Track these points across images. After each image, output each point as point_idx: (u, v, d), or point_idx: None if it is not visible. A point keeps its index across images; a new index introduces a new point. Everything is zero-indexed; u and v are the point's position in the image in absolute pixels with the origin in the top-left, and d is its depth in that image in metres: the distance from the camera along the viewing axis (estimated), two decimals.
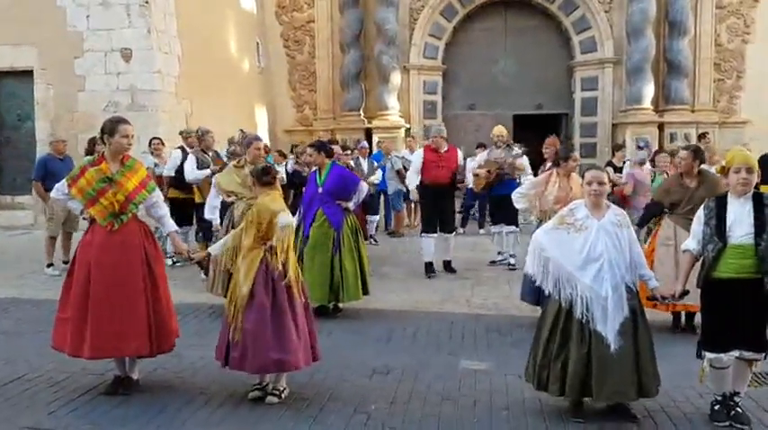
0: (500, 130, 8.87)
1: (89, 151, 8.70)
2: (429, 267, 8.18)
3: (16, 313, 6.52)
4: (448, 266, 8.36)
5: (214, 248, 4.45)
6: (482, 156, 8.87)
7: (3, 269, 8.64)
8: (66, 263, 8.48)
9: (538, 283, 4.01)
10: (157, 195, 4.49)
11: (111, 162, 4.28)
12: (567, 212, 4.04)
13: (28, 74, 11.96)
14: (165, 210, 4.53)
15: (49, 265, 8.36)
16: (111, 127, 4.27)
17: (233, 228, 5.48)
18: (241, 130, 9.22)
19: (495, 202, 8.78)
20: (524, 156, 8.49)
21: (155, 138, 9.67)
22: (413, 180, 8.34)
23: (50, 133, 11.12)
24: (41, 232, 9.19)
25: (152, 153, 9.38)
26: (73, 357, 4.26)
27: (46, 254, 8.45)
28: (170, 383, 4.52)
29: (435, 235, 8.23)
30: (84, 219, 4.50)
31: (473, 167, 8.81)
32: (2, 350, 5.28)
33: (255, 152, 6.28)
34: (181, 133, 9.44)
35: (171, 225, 4.53)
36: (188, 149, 8.68)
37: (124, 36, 11.56)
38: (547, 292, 4.00)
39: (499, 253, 8.83)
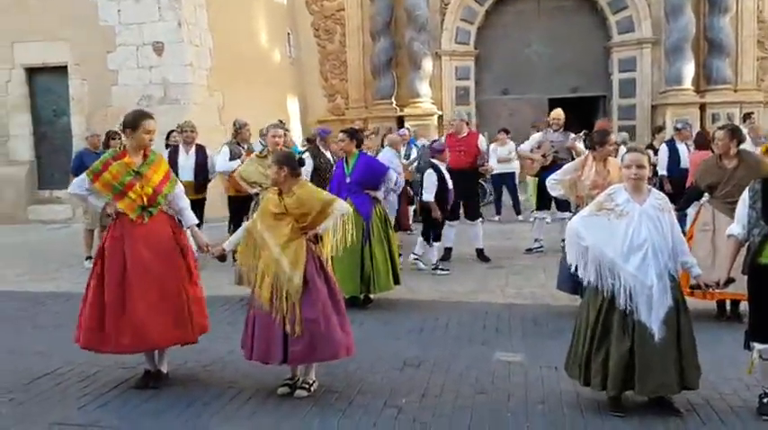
0: (558, 113, 8.63)
1: (106, 144, 8.78)
2: (447, 253, 8.11)
3: (53, 307, 6.60)
4: (481, 254, 8.21)
5: (229, 243, 4.37)
6: (535, 138, 8.61)
7: (41, 263, 8.77)
8: None
9: (577, 273, 3.83)
10: (180, 187, 4.45)
11: (135, 156, 4.24)
12: (605, 198, 3.84)
13: (62, 69, 12.13)
14: (186, 202, 4.48)
15: (88, 258, 8.44)
16: (134, 122, 4.23)
17: None
18: (279, 121, 9.13)
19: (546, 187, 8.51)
20: (580, 140, 8.25)
21: (173, 130, 9.29)
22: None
23: (86, 128, 11.25)
24: (79, 226, 9.30)
25: (168, 146, 8.99)
26: (112, 353, 4.25)
27: (84, 247, 8.54)
28: (199, 377, 4.49)
29: (456, 222, 8.13)
30: (107, 215, 4.45)
31: (522, 150, 8.62)
32: (37, 343, 5.33)
33: (272, 140, 6.26)
34: (177, 127, 8.85)
35: (192, 218, 4.48)
36: (180, 145, 8.28)
37: (155, 29, 11.62)
38: (586, 282, 3.82)
39: (536, 240, 8.62)
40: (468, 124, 8.59)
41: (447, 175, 7.44)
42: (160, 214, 4.28)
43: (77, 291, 6.77)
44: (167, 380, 4.36)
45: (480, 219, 8.34)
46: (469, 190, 8.26)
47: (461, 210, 8.32)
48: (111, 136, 8.70)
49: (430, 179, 7.30)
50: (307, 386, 4.10)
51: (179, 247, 4.27)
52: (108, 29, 11.74)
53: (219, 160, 8.21)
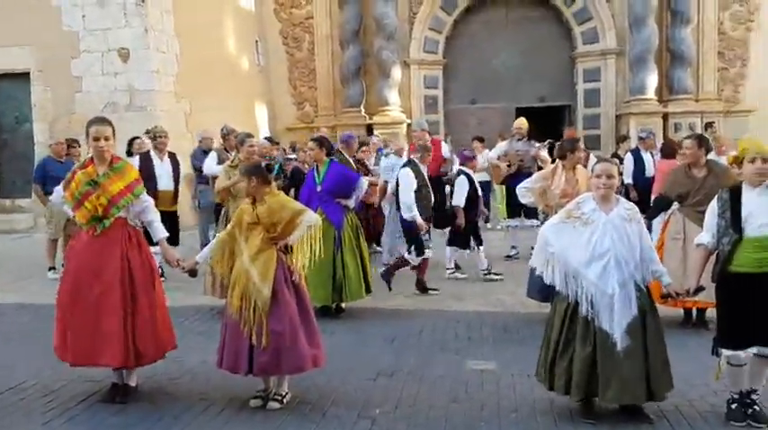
0: (521, 123, 8.77)
1: (66, 153, 8.60)
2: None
3: (17, 318, 6.43)
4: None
5: (201, 256, 4.32)
6: (501, 147, 8.71)
7: (3, 273, 8.54)
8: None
9: (545, 280, 3.88)
10: (146, 200, 4.32)
11: (99, 164, 4.15)
12: (573, 206, 3.90)
13: (24, 76, 11.87)
14: (155, 215, 4.37)
15: (51, 269, 8.25)
16: (86, 129, 4.15)
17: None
18: (269, 137, 9.06)
19: (514, 195, 8.60)
20: (545, 149, 8.40)
21: (136, 137, 8.91)
22: None
23: (49, 135, 11.01)
24: (41, 235, 9.09)
25: (132, 154, 8.46)
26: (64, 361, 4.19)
27: (47, 257, 8.34)
28: (169, 389, 4.41)
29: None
30: (74, 225, 4.37)
31: (491, 158, 8.69)
32: (0, 356, 5.18)
33: (249, 150, 6.21)
34: (146, 132, 8.50)
35: (161, 232, 4.36)
36: (152, 152, 7.92)
37: (121, 35, 11.45)
38: (554, 288, 3.87)
39: (512, 247, 8.70)
40: (429, 133, 8.64)
41: (477, 183, 7.46)
42: (117, 227, 4.14)
43: (41, 303, 6.67)
44: (136, 393, 4.26)
45: (450, 227, 8.35)
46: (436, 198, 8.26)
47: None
48: (70, 143, 8.54)
49: (462, 186, 7.29)
50: (279, 398, 4.06)
51: (129, 264, 4.10)
52: (72, 34, 11.52)
53: (207, 163, 8.13)
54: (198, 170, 9.42)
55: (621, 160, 9.71)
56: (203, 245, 8.88)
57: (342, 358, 4.83)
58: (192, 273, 4.34)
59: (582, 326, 3.69)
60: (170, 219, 7.51)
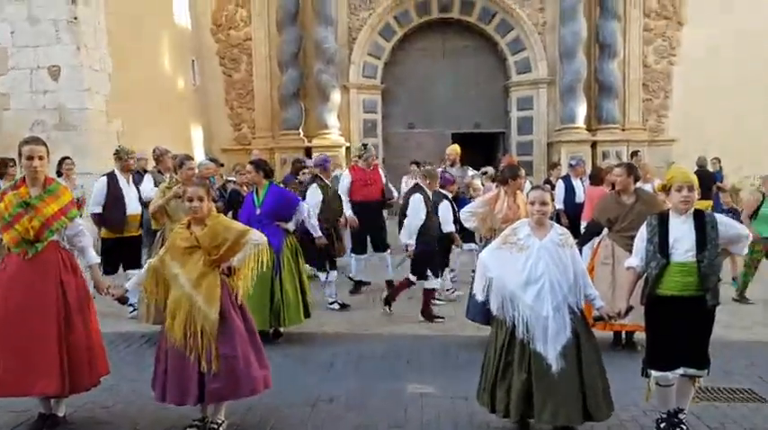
0: (454, 149, 8.93)
1: (0, 173, 8.24)
2: (357, 286, 8.25)
3: None
4: (391, 286, 8.26)
5: (130, 284, 4.20)
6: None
7: None
8: None
9: (484, 303, 3.96)
10: (80, 223, 4.19)
11: (32, 186, 4.01)
12: (509, 232, 4.01)
13: None
14: (88, 240, 4.23)
15: None
16: (18, 149, 4.01)
17: None
18: (212, 158, 8.83)
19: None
20: (478, 178, 8.59)
21: (65, 157, 8.62)
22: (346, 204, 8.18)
23: None
24: None
25: (60, 174, 8.20)
26: None
27: None
28: (100, 419, 4.24)
29: (365, 256, 8.26)
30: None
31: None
32: None
33: (187, 173, 6.09)
34: (115, 153, 7.83)
35: (92, 257, 4.23)
36: (117, 172, 7.48)
37: (52, 53, 11.08)
38: (493, 312, 3.95)
39: (451, 270, 8.80)
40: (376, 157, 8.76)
41: (453, 205, 7.33)
42: (50, 251, 4.00)
43: None
44: (65, 424, 4.09)
45: (389, 250, 8.42)
46: (378, 222, 8.34)
47: (369, 242, 8.38)
48: (5, 163, 8.17)
49: (446, 210, 7.05)
50: (216, 426, 3.96)
51: (63, 288, 3.97)
52: (0, 51, 11.10)
53: (144, 187, 7.77)
54: None
55: (553, 186, 10.01)
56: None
57: (280, 384, 4.75)
58: (122, 300, 4.21)
59: (519, 349, 3.78)
60: (135, 244, 7.32)
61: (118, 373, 4.60)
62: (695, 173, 7.49)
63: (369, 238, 8.35)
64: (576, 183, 9.85)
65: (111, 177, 7.34)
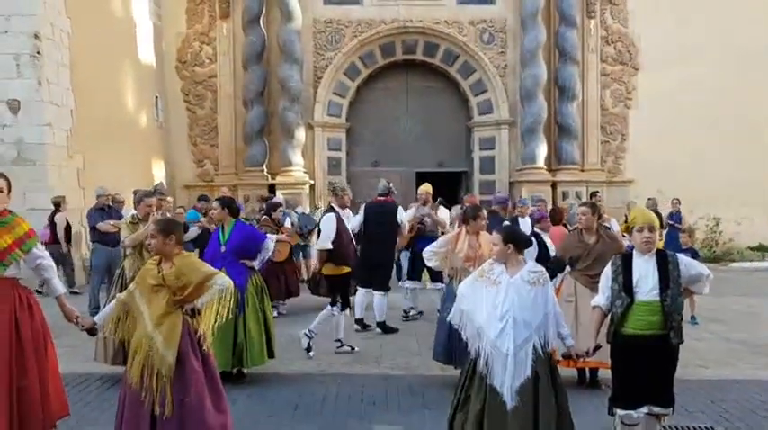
0: (425, 188, 9.06)
1: None
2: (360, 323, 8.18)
3: None
4: (382, 326, 8.17)
5: (100, 317, 4.09)
6: (411, 212, 8.85)
7: None
8: None
9: (447, 343, 3.96)
10: (40, 255, 4.05)
11: None
12: (488, 266, 4.00)
13: None
14: (51, 272, 4.11)
15: None
16: None
17: (124, 288, 5.13)
18: (156, 187, 8.73)
19: (417, 258, 8.75)
20: (446, 211, 8.72)
21: None
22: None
23: None
24: None
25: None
26: None
27: None
28: None
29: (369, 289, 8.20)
30: None
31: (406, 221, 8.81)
32: None
33: (147, 209, 6.05)
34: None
35: (57, 289, 4.11)
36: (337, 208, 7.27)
37: (12, 87, 10.95)
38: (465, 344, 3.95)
39: (411, 308, 8.81)
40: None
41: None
42: (5, 286, 3.87)
43: None
44: None
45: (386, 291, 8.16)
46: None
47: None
48: None
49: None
50: None
51: (17, 326, 3.83)
52: None
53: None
54: (92, 228, 9.01)
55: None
56: (92, 308, 8.43)
57: (244, 426, 4.66)
58: (91, 331, 4.09)
59: (477, 381, 3.77)
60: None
61: (76, 415, 4.44)
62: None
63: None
64: (524, 221, 10.00)
65: (336, 213, 7.16)
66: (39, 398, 3.87)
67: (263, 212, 10.16)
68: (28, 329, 3.89)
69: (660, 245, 4.26)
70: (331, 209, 7.29)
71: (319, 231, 7.58)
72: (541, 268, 4.00)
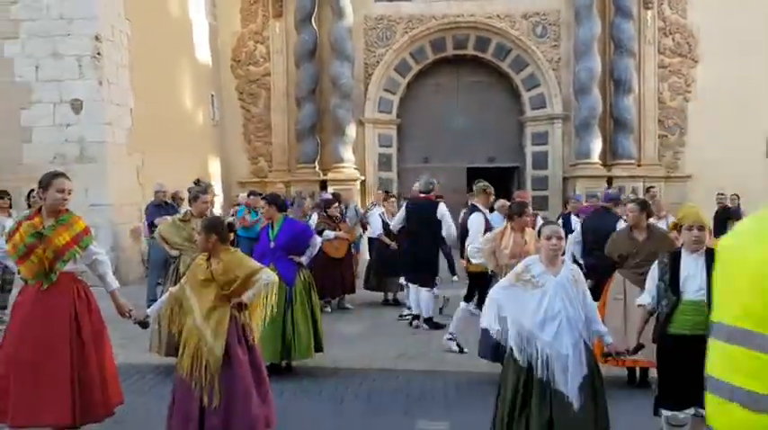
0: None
1: (29, 205, 8.36)
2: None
3: None
4: (429, 322, 8.13)
5: (151, 311, 4.26)
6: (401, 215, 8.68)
7: None
8: None
9: (499, 341, 3.92)
10: (96, 252, 4.24)
11: (47, 217, 4.09)
12: (522, 269, 3.97)
13: None
14: (106, 267, 4.30)
15: None
16: (47, 181, 4.10)
17: (177, 282, 5.30)
18: (197, 180, 8.92)
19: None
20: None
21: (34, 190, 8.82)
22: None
23: None
24: None
25: (30, 207, 8.29)
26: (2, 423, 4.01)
27: None
28: None
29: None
30: (21, 278, 4.27)
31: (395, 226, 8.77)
32: None
33: (202, 206, 6.19)
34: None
35: (112, 284, 4.29)
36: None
37: (74, 87, 11.36)
38: (507, 350, 3.91)
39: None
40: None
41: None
42: (64, 281, 4.06)
43: None
44: None
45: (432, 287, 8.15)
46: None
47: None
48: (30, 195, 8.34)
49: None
50: None
51: (77, 318, 4.02)
52: (23, 85, 11.39)
53: None
54: (149, 224, 9.31)
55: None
56: (150, 300, 8.71)
57: (291, 419, 4.76)
58: (143, 325, 4.26)
59: (538, 388, 3.71)
60: None
61: (130, 405, 4.61)
62: (717, 211, 7.38)
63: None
64: (573, 219, 9.82)
65: (482, 213, 7.24)
66: (99, 387, 4.06)
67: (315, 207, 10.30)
68: (87, 321, 4.07)
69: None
70: (475, 208, 7.23)
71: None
72: (576, 266, 3.96)
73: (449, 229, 7.94)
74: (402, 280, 8.88)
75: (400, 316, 8.72)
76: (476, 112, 16.68)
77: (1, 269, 8.28)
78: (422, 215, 7.99)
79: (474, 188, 7.49)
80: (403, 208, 8.30)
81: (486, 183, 7.40)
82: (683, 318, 3.68)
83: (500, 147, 16.87)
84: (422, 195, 8.27)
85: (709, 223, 3.89)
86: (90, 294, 4.19)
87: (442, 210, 7.97)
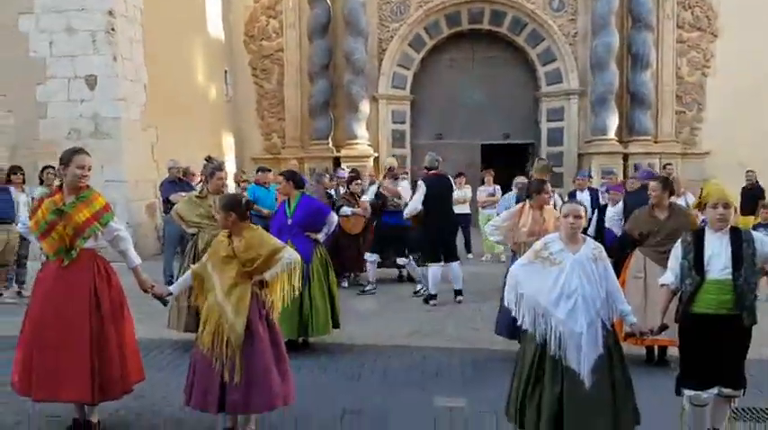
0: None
1: (7, 180, 8.44)
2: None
3: None
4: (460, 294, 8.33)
5: (174, 287, 4.28)
6: (374, 189, 9.23)
7: None
8: None
9: (517, 319, 3.91)
10: (117, 228, 4.23)
11: (68, 194, 4.10)
12: (541, 246, 3.94)
13: None
14: (127, 243, 4.30)
15: None
16: (68, 157, 4.09)
17: (196, 259, 5.32)
18: (208, 157, 8.88)
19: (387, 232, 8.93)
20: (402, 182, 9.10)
21: (48, 166, 8.77)
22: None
23: (9, 161, 10.78)
24: None
25: (42, 183, 8.51)
26: (23, 397, 4.07)
27: None
28: (133, 426, 4.31)
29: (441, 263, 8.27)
30: (43, 254, 4.30)
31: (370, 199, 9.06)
32: None
33: (218, 182, 6.17)
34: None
35: (133, 260, 4.30)
36: None
37: (89, 63, 11.35)
38: (522, 327, 3.91)
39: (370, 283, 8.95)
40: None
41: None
42: (84, 257, 4.07)
43: None
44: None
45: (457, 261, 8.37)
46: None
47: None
48: (11, 171, 8.39)
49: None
50: None
51: (96, 294, 4.04)
52: (38, 60, 11.39)
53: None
54: (165, 200, 9.33)
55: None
56: (167, 275, 8.77)
57: (308, 395, 4.77)
58: (164, 301, 4.28)
59: (551, 365, 3.71)
60: None
61: (149, 380, 4.65)
62: (744, 188, 7.26)
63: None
64: (582, 195, 9.75)
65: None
66: (118, 363, 4.08)
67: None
68: (107, 297, 4.09)
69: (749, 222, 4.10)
70: None
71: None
72: (599, 244, 3.92)
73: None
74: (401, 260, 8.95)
75: (415, 292, 8.74)
76: (490, 88, 16.51)
77: (18, 244, 8.36)
78: (442, 190, 8.15)
79: (536, 165, 7.55)
80: (422, 187, 8.19)
81: (548, 162, 7.57)
82: (707, 298, 3.64)
83: (515, 123, 16.72)
84: (435, 171, 8.28)
85: (735, 201, 3.82)
86: (111, 271, 4.20)
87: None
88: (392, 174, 9.21)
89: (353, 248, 9.18)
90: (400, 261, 8.97)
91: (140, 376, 4.28)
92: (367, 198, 9.18)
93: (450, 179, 8.46)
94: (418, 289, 8.73)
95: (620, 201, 7.62)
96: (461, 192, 11.54)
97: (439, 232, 8.07)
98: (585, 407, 3.62)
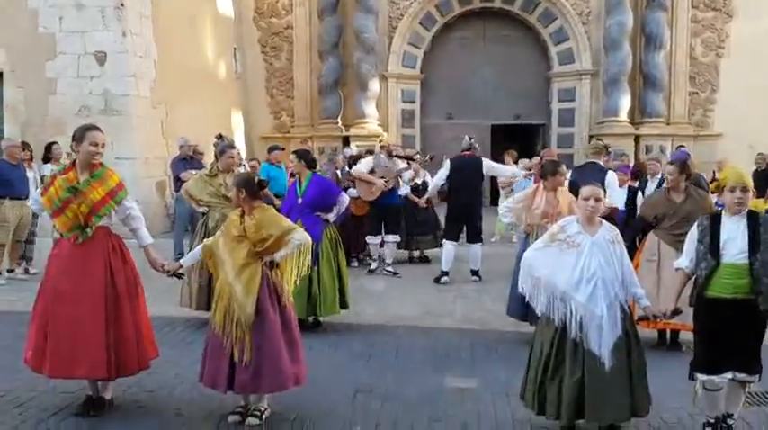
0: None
1: (46, 158, 8.41)
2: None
3: None
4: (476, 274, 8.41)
5: (186, 260, 4.28)
6: (369, 162, 8.94)
7: None
8: (10, 271, 8.25)
9: (532, 304, 3.90)
10: (129, 206, 4.21)
11: (82, 171, 4.08)
12: (558, 229, 3.92)
13: None
14: (139, 222, 4.28)
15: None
16: (81, 134, 4.07)
17: (206, 237, 5.32)
18: (219, 135, 8.88)
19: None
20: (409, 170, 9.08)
21: (54, 142, 9.05)
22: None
23: (20, 137, 10.77)
24: None
25: (50, 160, 8.77)
26: (37, 373, 4.09)
27: None
28: (145, 403, 4.32)
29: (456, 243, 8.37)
30: (56, 231, 4.29)
31: (360, 171, 8.80)
32: None
33: (229, 161, 6.15)
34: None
35: (144, 238, 4.30)
36: None
37: (98, 39, 11.29)
38: (539, 312, 3.89)
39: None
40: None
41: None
42: (99, 235, 4.07)
43: None
44: (111, 406, 4.17)
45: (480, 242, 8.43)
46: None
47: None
48: (51, 148, 8.38)
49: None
50: (258, 414, 4.01)
51: (111, 272, 4.04)
52: (48, 36, 11.33)
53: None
54: (175, 178, 9.32)
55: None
56: (177, 253, 8.78)
57: (320, 374, 4.79)
58: (178, 275, 4.29)
59: (571, 349, 3.70)
60: None
61: (162, 358, 4.66)
62: (755, 171, 7.19)
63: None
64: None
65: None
66: (134, 340, 4.09)
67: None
68: (121, 275, 4.09)
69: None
70: (598, 165, 7.13)
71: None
72: (615, 227, 3.89)
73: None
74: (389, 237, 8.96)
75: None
76: (502, 68, 16.37)
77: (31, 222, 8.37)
78: (467, 170, 8.20)
79: (594, 146, 7.56)
80: (446, 165, 8.34)
81: (604, 143, 7.77)
82: (722, 282, 3.60)
83: (526, 103, 16.60)
84: (465, 152, 8.39)
85: (751, 184, 3.77)
86: (125, 248, 4.20)
87: (488, 164, 8.46)
88: (387, 151, 9.12)
89: (359, 229, 9.20)
90: (388, 238, 8.91)
91: (155, 353, 4.30)
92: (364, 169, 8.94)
93: (483, 160, 8.40)
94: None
95: (626, 182, 7.65)
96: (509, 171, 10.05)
97: (461, 210, 8.18)
98: (605, 388, 3.62)
